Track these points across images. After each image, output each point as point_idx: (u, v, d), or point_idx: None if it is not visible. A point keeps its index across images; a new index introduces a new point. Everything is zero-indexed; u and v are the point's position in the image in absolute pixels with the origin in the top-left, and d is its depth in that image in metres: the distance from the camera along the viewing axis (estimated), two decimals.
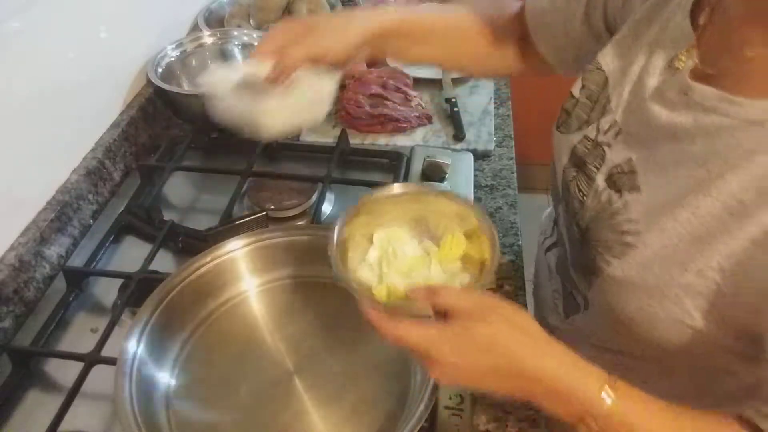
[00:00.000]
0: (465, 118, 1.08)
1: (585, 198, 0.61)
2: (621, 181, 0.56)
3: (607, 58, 0.62)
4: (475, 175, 0.99)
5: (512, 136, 1.08)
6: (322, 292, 0.73)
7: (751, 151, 0.45)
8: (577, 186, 0.62)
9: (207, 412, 0.63)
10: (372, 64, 1.22)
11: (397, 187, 0.60)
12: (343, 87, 1.14)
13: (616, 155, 0.58)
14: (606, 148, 0.59)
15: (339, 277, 0.53)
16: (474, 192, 0.96)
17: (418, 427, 0.54)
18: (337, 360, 0.67)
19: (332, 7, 1.33)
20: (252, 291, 0.73)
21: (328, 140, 1.06)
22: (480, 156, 1.03)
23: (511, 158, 1.03)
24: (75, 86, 0.91)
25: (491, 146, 1.04)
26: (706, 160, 0.48)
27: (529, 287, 0.84)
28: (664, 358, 0.55)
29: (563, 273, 0.71)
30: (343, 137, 1.02)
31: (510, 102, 1.17)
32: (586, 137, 0.62)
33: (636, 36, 0.60)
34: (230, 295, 0.72)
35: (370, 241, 0.59)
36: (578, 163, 0.63)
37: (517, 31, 0.77)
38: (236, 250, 0.72)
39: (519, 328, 0.48)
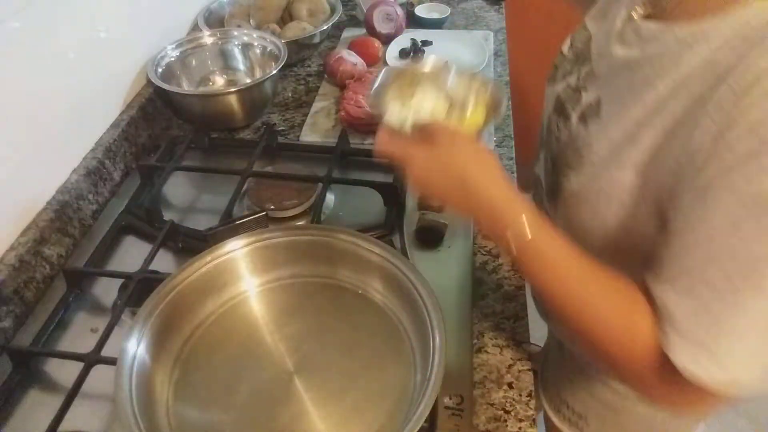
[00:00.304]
0: None
1: (560, 134, 0.69)
2: (589, 114, 0.64)
3: (592, 18, 0.71)
4: None
5: (512, 136, 1.08)
6: (322, 292, 0.73)
7: (678, 62, 0.53)
8: (557, 126, 0.70)
9: (207, 412, 0.63)
10: (371, 63, 1.22)
11: (430, 63, 0.70)
12: (343, 87, 1.14)
13: (589, 96, 0.65)
14: (582, 92, 0.66)
15: (372, 103, 0.68)
16: None
17: (418, 427, 0.54)
18: (337, 360, 0.67)
19: (332, 7, 1.33)
20: (252, 291, 0.73)
21: (328, 140, 1.06)
22: None
23: (511, 158, 1.03)
24: (75, 86, 0.91)
25: (491, 146, 1.04)
26: (648, 78, 0.55)
27: (529, 287, 0.84)
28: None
29: (539, 208, 0.77)
30: (343, 137, 1.02)
31: (510, 102, 1.17)
32: (568, 85, 0.70)
33: None
34: (230, 295, 0.72)
35: (405, 96, 0.68)
36: (559, 108, 0.70)
37: None
38: (236, 250, 0.72)
39: (479, 157, 0.60)
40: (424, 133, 0.62)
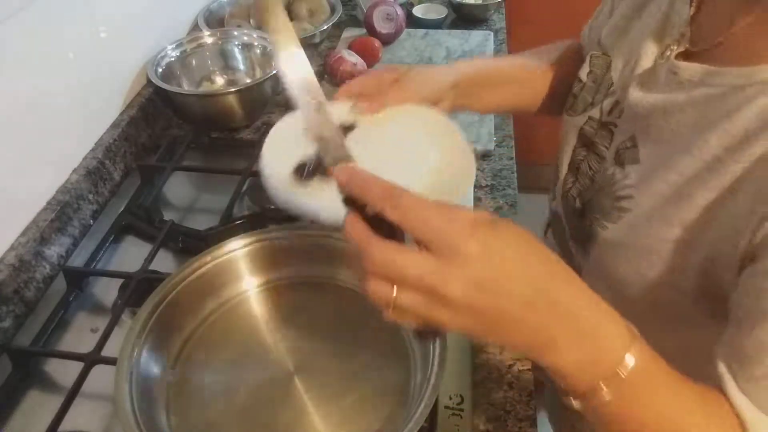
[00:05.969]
0: (465, 118, 1.08)
1: (595, 175, 0.65)
2: (624, 155, 0.60)
3: (610, 35, 0.67)
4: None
5: (512, 136, 1.08)
6: (322, 292, 0.73)
7: (729, 111, 0.49)
8: (588, 165, 0.66)
9: (207, 412, 0.63)
10: (371, 63, 1.22)
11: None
12: None
13: (621, 133, 0.61)
14: (613, 128, 0.63)
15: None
16: (474, 192, 0.96)
17: (418, 427, 0.54)
18: (337, 360, 0.66)
19: (332, 7, 1.33)
20: (252, 291, 0.73)
21: None
22: (480, 156, 1.03)
23: (511, 158, 1.03)
24: (75, 86, 0.91)
25: (491, 146, 1.04)
26: (696, 125, 0.52)
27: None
28: (651, 329, 0.54)
29: (562, 247, 0.74)
30: None
31: None
32: (590, 118, 0.67)
33: (637, 17, 0.64)
34: (230, 295, 0.72)
35: None
36: (587, 143, 0.67)
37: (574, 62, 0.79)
38: (236, 250, 0.72)
39: (537, 249, 0.39)
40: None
